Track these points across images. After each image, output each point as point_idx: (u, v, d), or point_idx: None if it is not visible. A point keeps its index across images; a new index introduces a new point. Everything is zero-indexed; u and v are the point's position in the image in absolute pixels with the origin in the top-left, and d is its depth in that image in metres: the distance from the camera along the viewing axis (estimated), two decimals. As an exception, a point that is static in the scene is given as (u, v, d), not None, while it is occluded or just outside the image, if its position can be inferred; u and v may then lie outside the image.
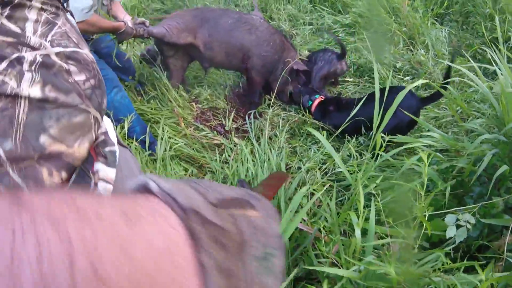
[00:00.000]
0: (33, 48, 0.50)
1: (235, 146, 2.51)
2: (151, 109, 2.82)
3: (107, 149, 0.68)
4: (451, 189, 1.47)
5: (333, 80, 3.13)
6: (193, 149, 2.55)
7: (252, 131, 2.50)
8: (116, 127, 2.31)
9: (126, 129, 2.32)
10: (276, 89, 2.72)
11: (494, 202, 1.30)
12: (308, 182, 1.88)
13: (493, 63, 1.76)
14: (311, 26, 3.91)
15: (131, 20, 2.42)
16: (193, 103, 2.91)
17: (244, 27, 2.68)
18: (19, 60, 0.48)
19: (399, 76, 3.15)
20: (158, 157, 2.42)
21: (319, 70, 2.90)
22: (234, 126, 2.72)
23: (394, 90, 2.17)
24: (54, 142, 0.50)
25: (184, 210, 0.27)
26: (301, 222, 1.34)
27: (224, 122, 2.72)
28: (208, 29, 2.64)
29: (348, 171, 1.65)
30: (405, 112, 1.93)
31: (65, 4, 0.65)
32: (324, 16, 4.02)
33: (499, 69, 1.58)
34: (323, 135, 1.96)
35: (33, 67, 0.49)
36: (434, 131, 1.64)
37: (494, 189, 1.43)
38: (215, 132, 2.65)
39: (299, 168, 2.05)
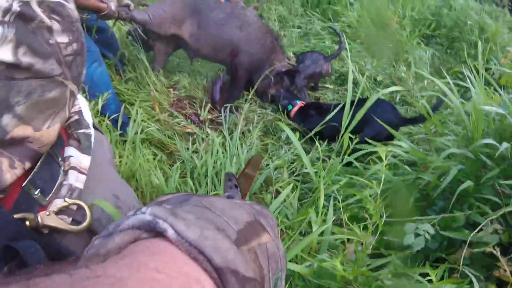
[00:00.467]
0: None
1: (207, 137, 2.46)
2: (128, 90, 2.74)
3: (81, 131, 0.56)
4: (415, 201, 1.48)
5: (313, 85, 3.14)
6: (164, 135, 2.49)
7: (226, 124, 2.45)
8: (90, 101, 2.22)
9: (100, 105, 2.22)
10: (258, 89, 2.72)
11: (455, 216, 1.30)
12: (275, 180, 1.86)
13: (469, 82, 1.79)
14: (299, 30, 3.92)
15: (115, 2, 2.29)
16: (171, 89, 2.84)
17: (236, 22, 2.65)
18: None
19: (378, 89, 3.18)
20: (128, 138, 2.33)
21: (305, 69, 2.90)
22: (209, 117, 2.67)
23: (378, 101, 2.16)
24: (19, 124, 0.39)
25: (220, 271, 0.24)
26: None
27: (199, 112, 2.66)
28: (197, 21, 2.60)
29: (315, 172, 1.63)
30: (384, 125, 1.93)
31: None
32: (314, 22, 4.04)
33: (473, 87, 1.61)
34: (296, 136, 1.95)
35: (6, 18, 0.37)
36: (403, 141, 1.65)
37: (457, 204, 1.44)
38: (189, 120, 2.59)
39: (268, 165, 2.02)
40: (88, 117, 0.62)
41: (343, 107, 2.20)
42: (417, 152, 1.59)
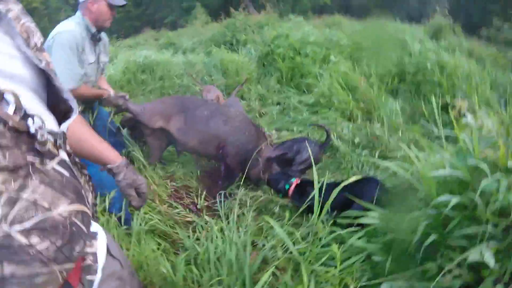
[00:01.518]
0: None
1: (206, 223, 2.67)
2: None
3: (88, 277, 0.80)
4: (396, 258, 1.67)
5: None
6: (166, 225, 2.70)
7: (221, 210, 2.67)
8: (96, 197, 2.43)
9: (107, 204, 2.45)
10: (251, 176, 2.93)
11: (426, 267, 1.49)
12: (271, 258, 2.05)
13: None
14: (278, 106, 4.29)
15: (114, 92, 2.68)
16: (168, 181, 3.10)
17: (220, 118, 2.88)
18: None
19: (357, 151, 3.45)
20: (133, 232, 2.52)
21: (303, 161, 3.01)
22: (205, 204, 2.89)
23: (365, 181, 2.36)
24: None
25: None
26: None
27: (196, 201, 2.89)
28: (184, 117, 2.84)
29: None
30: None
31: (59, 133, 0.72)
32: (290, 97, 4.43)
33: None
34: (286, 215, 2.19)
35: None
36: (376, 211, 1.87)
37: (433, 255, 1.63)
38: (187, 210, 2.81)
39: (264, 245, 2.21)
40: (102, 254, 0.89)
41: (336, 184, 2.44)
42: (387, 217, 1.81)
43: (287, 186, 2.67)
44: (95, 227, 0.95)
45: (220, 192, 2.86)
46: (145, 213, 2.73)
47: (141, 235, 2.50)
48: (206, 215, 2.74)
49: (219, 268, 2.22)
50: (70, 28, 2.28)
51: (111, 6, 2.39)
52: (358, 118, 3.95)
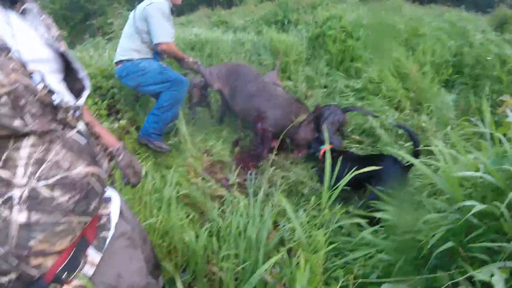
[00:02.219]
0: (21, 186, 0.71)
1: (234, 198, 2.75)
2: (167, 156, 3.14)
3: (102, 234, 0.94)
4: (412, 260, 1.60)
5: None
6: (199, 195, 2.81)
7: (251, 188, 2.72)
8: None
9: None
10: (297, 141, 3.25)
11: (437, 276, 1.42)
12: (287, 240, 2.08)
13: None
14: (325, 89, 4.19)
15: (187, 57, 3.23)
16: (205, 155, 3.21)
17: (265, 96, 3.21)
18: (9, 199, 0.70)
19: (400, 142, 3.31)
20: (165, 198, 2.66)
21: (325, 119, 3.22)
22: (237, 180, 2.96)
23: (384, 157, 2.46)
24: (40, 243, 0.75)
25: None
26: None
27: (229, 177, 2.97)
28: (235, 87, 3.29)
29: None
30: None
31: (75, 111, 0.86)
32: (338, 80, 4.31)
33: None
34: (312, 199, 2.20)
35: (21, 200, 0.71)
36: (392, 205, 1.80)
37: (448, 264, 1.54)
38: (219, 184, 2.90)
39: (284, 226, 2.24)
40: (115, 215, 1.03)
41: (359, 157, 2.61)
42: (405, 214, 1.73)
43: (317, 154, 2.90)
44: (110, 192, 1.09)
45: (252, 169, 2.91)
46: (180, 183, 2.87)
47: (171, 202, 2.63)
48: (236, 190, 2.82)
49: (239, 242, 2.30)
50: (162, 1, 2.85)
51: None
52: (406, 108, 3.74)
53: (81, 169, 0.81)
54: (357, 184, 2.33)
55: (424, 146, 3.26)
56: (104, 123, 2.98)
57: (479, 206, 1.37)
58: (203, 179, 2.96)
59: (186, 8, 13.37)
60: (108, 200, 1.04)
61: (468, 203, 1.46)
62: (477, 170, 1.59)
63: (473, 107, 3.93)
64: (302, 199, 2.76)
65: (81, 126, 0.88)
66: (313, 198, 2.45)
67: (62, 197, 0.76)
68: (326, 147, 2.55)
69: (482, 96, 4.03)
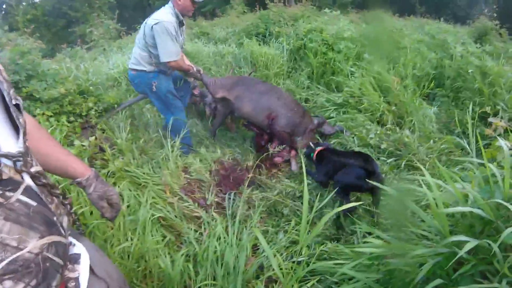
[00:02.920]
0: None
1: (213, 220, 2.63)
2: (143, 173, 2.99)
3: None
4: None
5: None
6: (175, 216, 2.68)
7: (229, 209, 2.62)
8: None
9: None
10: (299, 145, 3.39)
11: None
12: (266, 268, 1.98)
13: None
14: (306, 104, 4.13)
15: (194, 66, 3.46)
16: (183, 173, 3.08)
17: (274, 94, 3.41)
18: None
19: (382, 158, 3.26)
20: (139, 221, 2.52)
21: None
22: (216, 200, 2.85)
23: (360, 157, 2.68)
24: None
25: None
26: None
27: (206, 196, 2.85)
28: (244, 88, 3.44)
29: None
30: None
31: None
32: (319, 94, 4.25)
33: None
34: (292, 222, 2.09)
35: None
36: (380, 236, 1.72)
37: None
38: (196, 204, 2.78)
39: (263, 252, 2.13)
40: (84, 279, 0.84)
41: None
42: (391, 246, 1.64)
43: (312, 154, 3.06)
44: (78, 248, 0.90)
45: (230, 191, 2.82)
46: (156, 203, 2.74)
47: (146, 225, 2.50)
48: (214, 211, 2.71)
49: (216, 268, 2.19)
50: (168, 18, 2.99)
51: (193, 2, 3.06)
52: (388, 122, 3.71)
53: (34, 244, 0.63)
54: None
55: (407, 161, 3.24)
56: (75, 141, 2.83)
57: (471, 244, 1.30)
58: (180, 198, 2.84)
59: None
60: (76, 259, 0.86)
61: (458, 238, 1.39)
62: (466, 199, 1.52)
63: (455, 120, 3.94)
64: (282, 219, 2.66)
65: (28, 179, 0.70)
66: (293, 221, 2.38)
67: (16, 286, 0.58)
68: (317, 150, 3.02)
69: (464, 109, 4.05)
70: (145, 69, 3.18)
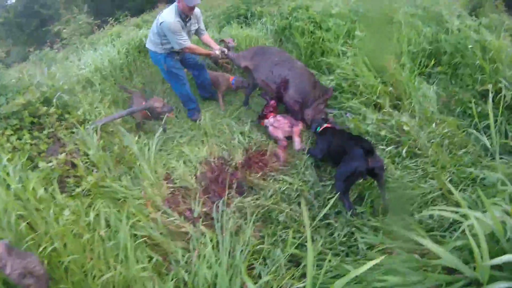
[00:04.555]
0: None
1: (202, 234, 2.36)
2: (122, 187, 2.69)
3: None
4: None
5: None
6: (161, 233, 2.41)
7: (217, 223, 2.34)
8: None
9: None
10: (309, 118, 3.49)
11: None
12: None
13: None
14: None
15: (218, 48, 3.89)
16: (165, 182, 2.79)
17: (287, 65, 3.58)
18: None
19: (381, 147, 2.99)
20: (122, 243, 2.24)
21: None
22: (204, 210, 2.57)
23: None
24: None
25: None
26: None
27: (193, 207, 2.57)
28: (261, 59, 3.74)
29: None
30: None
31: None
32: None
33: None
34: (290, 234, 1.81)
35: None
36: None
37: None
38: (183, 217, 2.50)
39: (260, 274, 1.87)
40: None
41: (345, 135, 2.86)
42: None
43: (318, 128, 3.15)
44: None
45: (218, 199, 2.54)
46: (138, 221, 2.46)
47: (129, 249, 2.20)
48: (202, 224, 2.44)
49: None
50: (171, 18, 3.46)
51: (189, 6, 3.46)
52: (385, 105, 3.41)
53: None
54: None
55: (408, 148, 2.97)
56: (39, 163, 2.51)
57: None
58: (164, 212, 2.55)
59: (147, 6, 12.69)
60: None
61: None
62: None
63: (455, 99, 3.66)
64: (279, 227, 2.39)
65: None
66: (291, 233, 2.11)
67: None
68: (326, 124, 3.13)
69: (463, 86, 3.77)
70: (153, 50, 3.75)
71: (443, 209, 1.62)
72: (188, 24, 3.69)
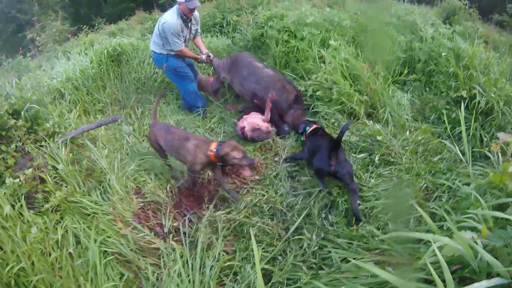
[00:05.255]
0: None
1: (173, 250, 2.30)
2: (92, 202, 2.61)
3: None
4: None
5: None
6: (131, 249, 2.34)
7: (187, 237, 2.29)
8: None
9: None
10: (292, 123, 3.60)
11: None
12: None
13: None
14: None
15: (205, 53, 4.18)
16: (135, 196, 2.72)
17: (253, 78, 3.78)
18: None
19: (353, 154, 3.00)
20: (92, 261, 2.16)
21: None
22: (175, 224, 2.51)
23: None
24: None
25: None
26: None
27: (163, 222, 2.51)
28: (234, 71, 3.97)
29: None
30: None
31: None
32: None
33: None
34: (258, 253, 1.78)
35: None
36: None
37: None
38: (153, 233, 2.44)
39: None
40: None
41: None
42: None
43: (307, 128, 3.19)
44: None
45: (189, 214, 2.49)
46: (108, 237, 2.38)
47: (99, 266, 2.13)
48: (173, 240, 2.38)
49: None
50: (173, 19, 3.69)
51: (189, 8, 3.68)
52: (359, 113, 3.44)
53: None
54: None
55: (382, 156, 2.99)
56: (6, 179, 2.41)
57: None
58: (134, 228, 2.48)
59: (125, 12, 12.52)
60: None
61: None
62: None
63: (429, 106, 3.72)
64: (251, 241, 2.35)
65: None
66: (263, 244, 2.08)
67: None
68: (314, 126, 3.17)
69: (437, 93, 3.83)
70: (158, 51, 3.93)
71: (411, 232, 1.61)
72: (189, 25, 3.94)
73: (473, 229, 1.58)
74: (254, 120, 3.41)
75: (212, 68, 4.58)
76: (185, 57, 4.05)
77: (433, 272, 1.21)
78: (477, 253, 1.36)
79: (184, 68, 4.03)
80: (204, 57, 4.14)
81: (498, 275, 1.25)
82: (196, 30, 4.09)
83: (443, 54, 3.98)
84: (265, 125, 3.43)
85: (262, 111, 3.58)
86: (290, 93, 3.63)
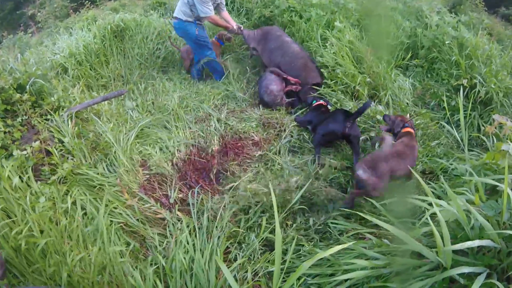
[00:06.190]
0: None
1: (178, 220, 2.37)
2: (98, 174, 2.66)
3: None
4: None
5: None
6: (137, 219, 2.41)
7: (195, 207, 2.35)
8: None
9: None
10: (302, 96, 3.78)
11: None
12: (240, 280, 1.75)
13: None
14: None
15: (236, 24, 4.28)
16: (141, 168, 2.77)
17: (279, 52, 3.94)
18: None
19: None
20: (99, 230, 2.23)
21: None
22: (179, 195, 2.57)
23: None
24: None
25: None
26: None
27: (169, 193, 2.57)
28: (264, 43, 4.10)
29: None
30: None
31: None
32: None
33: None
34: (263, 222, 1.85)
35: None
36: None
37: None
38: (159, 204, 2.50)
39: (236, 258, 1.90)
40: None
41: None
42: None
43: (314, 102, 3.43)
44: None
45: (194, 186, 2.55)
46: (115, 208, 2.44)
47: (106, 234, 2.19)
48: (178, 210, 2.45)
49: (187, 279, 1.95)
50: None
51: None
52: (362, 95, 3.48)
53: None
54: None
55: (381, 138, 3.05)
56: (14, 151, 2.44)
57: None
58: (140, 199, 2.54)
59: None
60: None
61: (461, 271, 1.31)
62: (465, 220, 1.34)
63: (430, 92, 3.76)
64: (256, 215, 2.41)
65: None
66: (264, 220, 2.14)
67: None
68: (321, 102, 3.40)
69: (439, 80, 3.88)
70: (182, 18, 3.96)
71: (412, 197, 1.68)
72: None
73: (467, 201, 1.66)
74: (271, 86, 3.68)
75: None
76: (217, 25, 4.20)
77: (433, 226, 1.29)
78: (470, 220, 1.45)
79: (206, 38, 4.11)
80: (235, 27, 4.23)
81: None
82: (220, 3, 4.15)
83: (447, 42, 4.03)
84: (280, 94, 3.67)
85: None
86: (310, 72, 3.75)
